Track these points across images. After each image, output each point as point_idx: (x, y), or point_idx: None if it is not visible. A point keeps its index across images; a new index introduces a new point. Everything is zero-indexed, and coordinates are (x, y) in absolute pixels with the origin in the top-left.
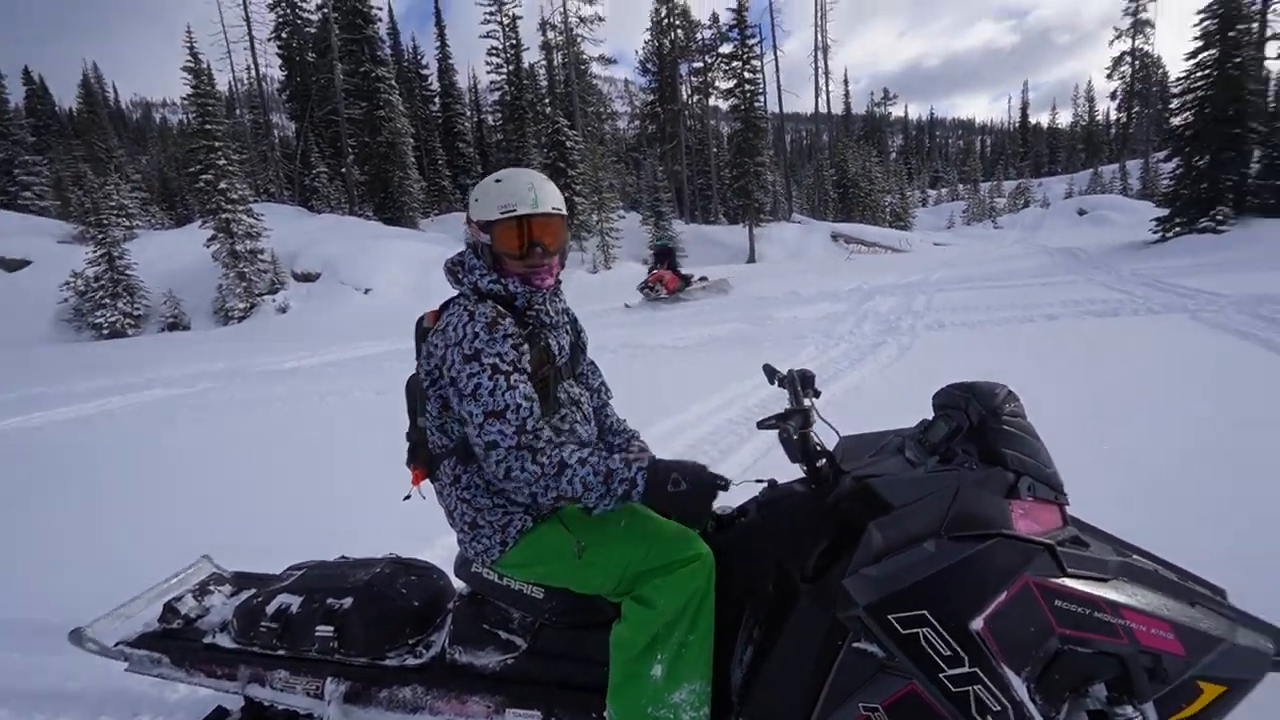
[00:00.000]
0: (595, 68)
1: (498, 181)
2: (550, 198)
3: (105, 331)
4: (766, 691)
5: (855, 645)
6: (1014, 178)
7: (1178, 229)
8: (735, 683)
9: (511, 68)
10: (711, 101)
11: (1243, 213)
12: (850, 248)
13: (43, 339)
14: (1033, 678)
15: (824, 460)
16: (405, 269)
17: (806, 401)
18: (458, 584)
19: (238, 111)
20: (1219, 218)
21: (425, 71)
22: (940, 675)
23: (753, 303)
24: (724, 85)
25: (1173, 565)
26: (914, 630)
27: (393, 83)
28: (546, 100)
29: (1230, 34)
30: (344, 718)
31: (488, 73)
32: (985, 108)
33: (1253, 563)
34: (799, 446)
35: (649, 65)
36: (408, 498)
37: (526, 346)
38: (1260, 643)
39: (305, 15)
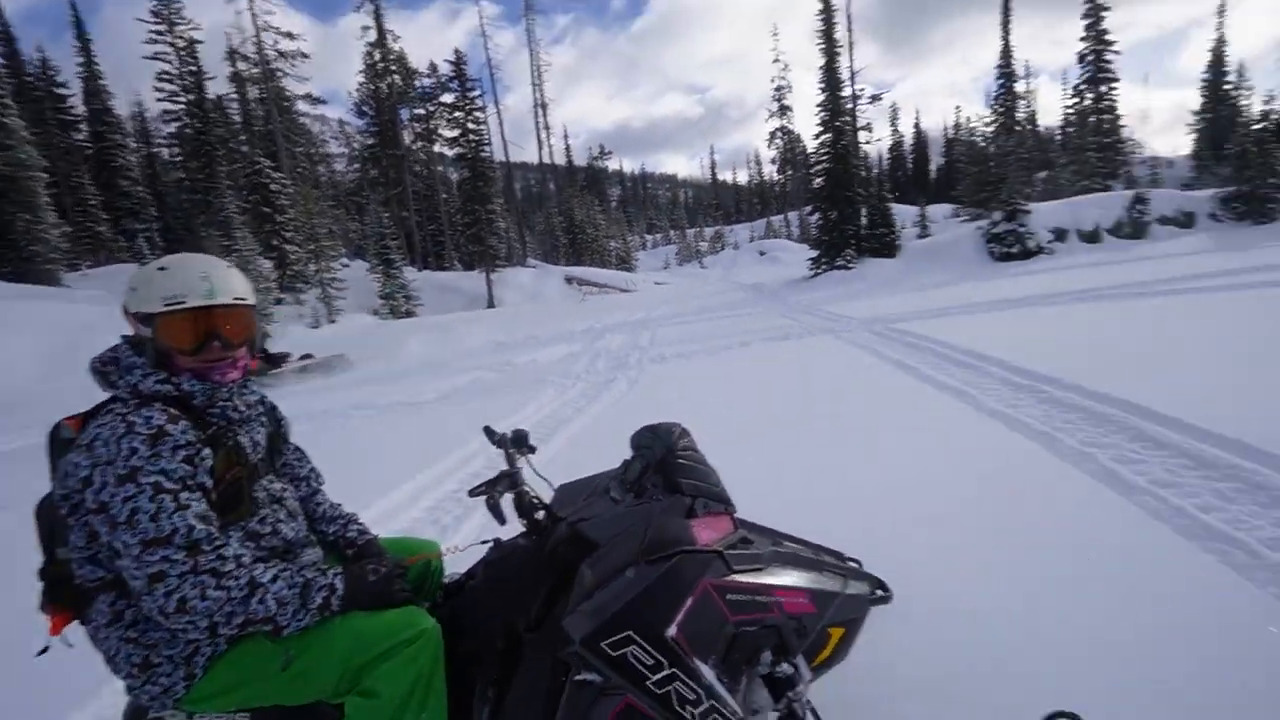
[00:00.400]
0: (302, 105)
1: (161, 269)
2: (230, 286)
3: None
4: None
5: (576, 678)
6: (712, 224)
7: (824, 267)
8: None
9: (192, 97)
10: (437, 148)
11: (861, 254)
12: (584, 290)
13: None
14: (718, 663)
15: (542, 511)
16: (33, 339)
17: (520, 461)
18: None
19: None
20: (847, 258)
21: (64, 91)
22: (646, 683)
23: (494, 349)
24: (448, 134)
25: (809, 543)
26: (623, 650)
27: (7, 100)
28: (243, 137)
29: (837, 123)
30: None
31: (158, 100)
32: (685, 164)
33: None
34: (515, 505)
35: (365, 108)
36: (44, 651)
37: (208, 452)
38: (862, 589)
39: None
